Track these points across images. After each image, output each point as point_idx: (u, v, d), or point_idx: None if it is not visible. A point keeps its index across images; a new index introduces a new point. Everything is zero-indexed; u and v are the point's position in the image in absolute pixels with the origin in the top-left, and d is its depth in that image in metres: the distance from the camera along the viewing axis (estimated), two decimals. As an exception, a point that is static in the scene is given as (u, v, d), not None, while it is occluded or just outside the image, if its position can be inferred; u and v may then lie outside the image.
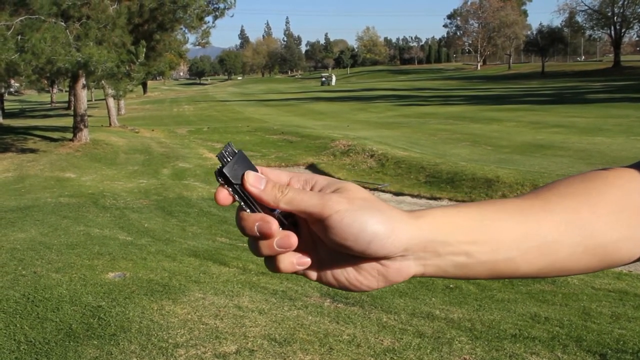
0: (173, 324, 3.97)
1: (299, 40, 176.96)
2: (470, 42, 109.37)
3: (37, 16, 13.64)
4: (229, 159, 0.51)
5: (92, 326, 3.94)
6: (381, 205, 0.50)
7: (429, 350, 3.57)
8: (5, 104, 41.91)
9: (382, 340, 3.73)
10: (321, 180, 0.52)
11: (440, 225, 0.51)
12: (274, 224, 0.49)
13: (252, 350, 3.56)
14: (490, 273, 0.53)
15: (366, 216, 0.48)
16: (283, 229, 0.51)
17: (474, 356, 3.51)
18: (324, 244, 0.51)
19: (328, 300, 4.56)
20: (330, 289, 4.92)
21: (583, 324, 4.17)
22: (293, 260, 0.52)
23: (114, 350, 3.55)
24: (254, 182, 0.50)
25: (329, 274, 0.53)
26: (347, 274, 0.52)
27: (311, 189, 0.52)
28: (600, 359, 3.51)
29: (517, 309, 4.58)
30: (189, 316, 4.13)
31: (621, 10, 75.92)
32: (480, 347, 3.66)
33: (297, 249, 0.51)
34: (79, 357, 3.47)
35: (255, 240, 0.51)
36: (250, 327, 3.94)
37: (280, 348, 3.60)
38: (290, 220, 0.52)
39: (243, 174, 0.51)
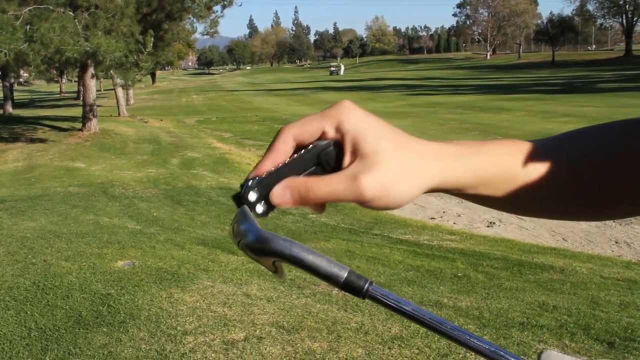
0: (182, 312, 3.99)
1: (307, 29, 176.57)
2: (480, 31, 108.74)
3: (45, 6, 13.67)
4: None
5: (101, 313, 3.97)
6: (412, 170, 0.50)
7: (436, 338, 3.57)
8: (15, 94, 42.05)
9: (390, 328, 3.74)
10: (352, 133, 0.49)
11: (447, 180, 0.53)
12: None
13: (260, 337, 3.58)
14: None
15: (398, 197, 0.49)
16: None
17: (481, 344, 3.51)
18: None
19: (336, 289, 4.56)
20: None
21: (591, 312, 4.16)
22: None
23: (123, 337, 3.58)
24: (279, 198, 0.49)
25: None
26: None
27: (342, 137, 0.49)
28: (608, 347, 3.51)
29: (525, 298, 4.58)
30: (198, 304, 4.15)
31: (633, -1, 75.12)
32: (488, 335, 3.66)
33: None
34: (88, 343, 3.50)
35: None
36: (259, 314, 3.95)
37: (289, 335, 3.62)
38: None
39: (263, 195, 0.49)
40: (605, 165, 0.56)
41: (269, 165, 0.49)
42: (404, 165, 0.49)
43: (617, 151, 0.56)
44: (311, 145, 0.49)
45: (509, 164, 0.55)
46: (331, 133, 0.49)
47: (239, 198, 0.49)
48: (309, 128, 0.49)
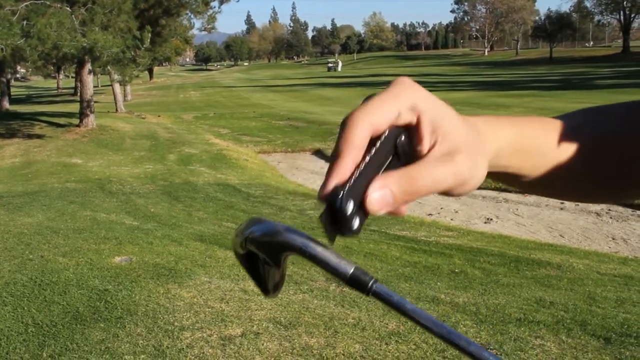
0: (179, 307, 4.00)
1: (305, 25, 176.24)
2: (478, 27, 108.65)
3: (42, 1, 13.63)
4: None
5: (98, 309, 3.97)
6: (483, 153, 0.46)
7: (433, 334, 3.58)
8: (12, 90, 41.98)
9: (387, 324, 3.74)
10: (430, 112, 0.43)
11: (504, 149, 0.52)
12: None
13: (258, 333, 3.58)
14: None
15: (481, 176, 0.45)
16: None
17: (478, 339, 3.52)
18: None
19: (333, 284, 4.57)
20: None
21: (588, 308, 4.18)
22: None
23: (120, 333, 3.58)
24: (380, 203, 0.40)
25: None
26: None
27: (418, 118, 0.43)
28: (605, 342, 3.52)
29: (522, 294, 4.59)
30: (195, 300, 4.15)
31: (631, -5, 75.10)
32: (485, 331, 3.67)
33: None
34: (85, 339, 3.50)
35: None
36: (256, 310, 3.96)
37: (286, 331, 3.62)
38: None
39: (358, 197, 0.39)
40: (615, 147, 0.56)
41: (351, 165, 0.40)
42: (475, 141, 0.45)
43: (622, 133, 0.56)
44: (385, 134, 0.42)
45: (544, 138, 0.54)
46: (407, 115, 0.43)
47: (338, 212, 0.39)
48: (385, 113, 0.42)
